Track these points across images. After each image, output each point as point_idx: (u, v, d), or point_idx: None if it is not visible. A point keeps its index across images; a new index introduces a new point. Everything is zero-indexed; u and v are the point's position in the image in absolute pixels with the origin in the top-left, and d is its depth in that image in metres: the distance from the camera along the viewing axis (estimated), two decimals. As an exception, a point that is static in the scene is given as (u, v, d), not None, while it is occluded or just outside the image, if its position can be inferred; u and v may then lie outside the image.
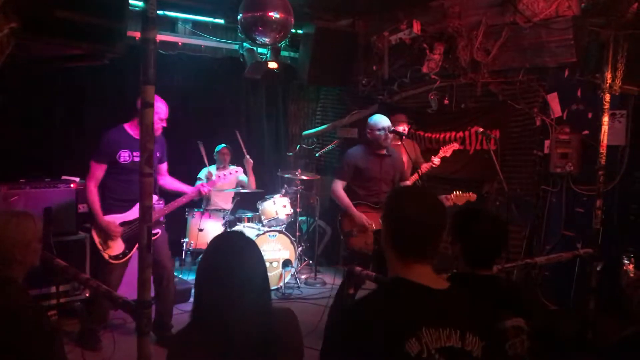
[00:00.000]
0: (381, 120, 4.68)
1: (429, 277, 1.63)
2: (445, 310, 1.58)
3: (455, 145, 5.35)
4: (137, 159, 4.06)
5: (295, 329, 1.84)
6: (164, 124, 4.11)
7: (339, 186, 4.75)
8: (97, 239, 4.06)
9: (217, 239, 1.87)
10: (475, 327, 1.59)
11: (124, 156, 4.02)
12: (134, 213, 4.10)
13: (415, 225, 1.64)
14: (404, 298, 1.58)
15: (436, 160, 5.20)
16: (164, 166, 4.47)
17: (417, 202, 1.68)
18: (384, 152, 4.74)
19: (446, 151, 5.28)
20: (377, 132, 4.65)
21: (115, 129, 4.09)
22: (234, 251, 1.77)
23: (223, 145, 6.14)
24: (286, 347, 1.76)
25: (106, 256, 4.02)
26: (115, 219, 4.07)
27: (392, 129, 4.70)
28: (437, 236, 1.67)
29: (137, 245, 4.05)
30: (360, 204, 4.69)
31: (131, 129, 4.09)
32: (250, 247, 1.81)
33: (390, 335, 1.49)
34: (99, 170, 4.03)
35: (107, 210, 4.06)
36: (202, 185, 4.35)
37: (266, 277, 1.81)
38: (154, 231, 4.11)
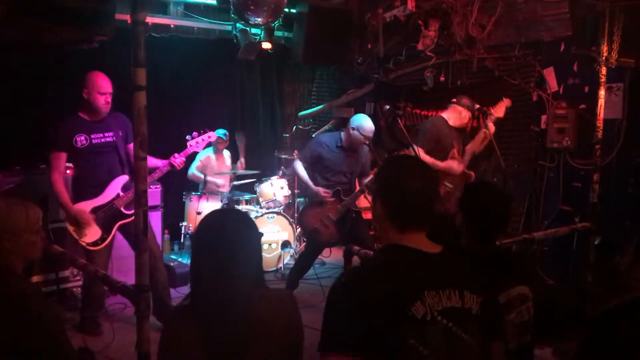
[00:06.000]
0: (367, 127, 4.60)
1: (424, 242, 1.67)
2: (443, 272, 1.63)
3: (508, 102, 4.71)
4: (95, 141, 4.04)
5: (293, 309, 1.84)
6: (108, 99, 4.02)
7: (299, 165, 4.89)
8: (71, 228, 4.02)
9: (212, 213, 1.89)
10: (472, 284, 1.65)
11: (80, 140, 3.99)
12: (105, 197, 4.08)
13: (410, 194, 1.66)
14: (403, 263, 1.62)
15: (491, 124, 4.63)
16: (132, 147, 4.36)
17: (409, 171, 1.71)
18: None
19: (498, 111, 4.68)
20: (358, 135, 4.59)
21: (69, 117, 4.07)
22: (230, 223, 1.79)
23: (224, 131, 6.12)
24: (284, 327, 1.77)
25: (83, 244, 3.99)
26: (86, 206, 4.02)
27: (387, 107, 4.72)
28: (431, 203, 1.71)
29: (115, 229, 4.06)
30: None
31: (84, 115, 4.06)
32: (244, 219, 1.84)
33: (395, 300, 1.52)
34: (59, 160, 3.99)
35: (78, 199, 4.03)
36: (173, 157, 4.21)
37: (260, 249, 1.85)
38: (130, 211, 4.08)
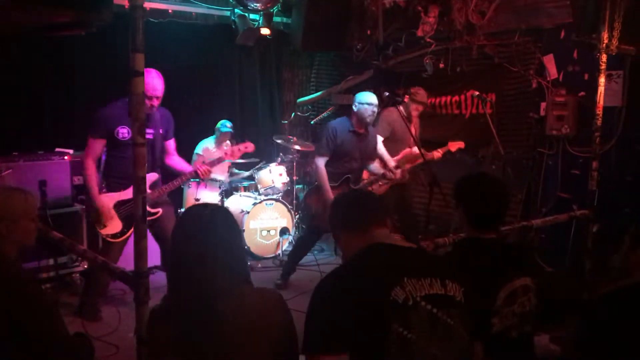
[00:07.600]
0: (371, 97, 4.64)
1: (392, 237, 1.81)
2: (422, 263, 1.74)
3: (462, 144, 5.27)
4: None
5: (280, 310, 1.79)
6: (155, 103, 3.92)
7: (322, 163, 4.61)
8: (92, 217, 4.00)
9: (190, 209, 1.92)
10: (453, 274, 1.73)
11: (123, 132, 3.89)
12: (131, 192, 4.02)
13: (354, 205, 1.92)
14: (381, 255, 1.72)
15: (438, 153, 5.16)
16: (170, 144, 4.30)
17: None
18: (363, 130, 4.70)
19: (453, 146, 5.22)
20: (366, 106, 4.58)
21: (113, 104, 3.94)
22: (207, 218, 1.80)
23: (229, 123, 5.98)
24: (266, 328, 1.72)
25: (102, 234, 3.97)
26: (112, 198, 3.98)
27: (387, 94, 4.72)
28: (374, 203, 1.93)
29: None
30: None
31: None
32: (222, 215, 1.85)
33: (376, 287, 1.60)
34: (97, 146, 3.92)
35: (106, 189, 4.00)
36: (199, 165, 4.14)
37: (241, 246, 1.85)
38: (155, 210, 4.08)
